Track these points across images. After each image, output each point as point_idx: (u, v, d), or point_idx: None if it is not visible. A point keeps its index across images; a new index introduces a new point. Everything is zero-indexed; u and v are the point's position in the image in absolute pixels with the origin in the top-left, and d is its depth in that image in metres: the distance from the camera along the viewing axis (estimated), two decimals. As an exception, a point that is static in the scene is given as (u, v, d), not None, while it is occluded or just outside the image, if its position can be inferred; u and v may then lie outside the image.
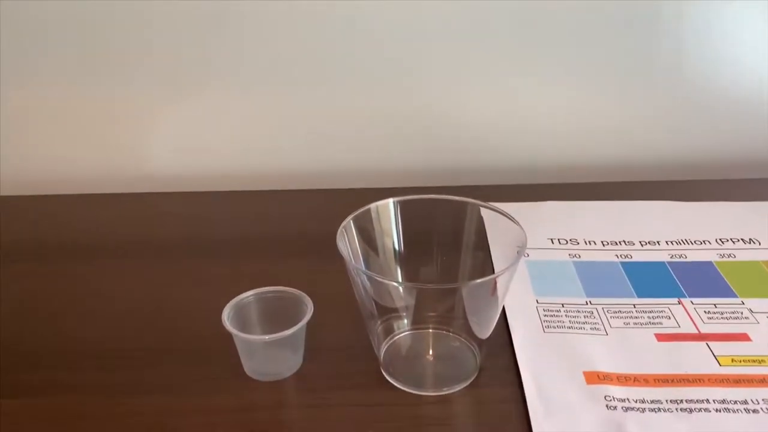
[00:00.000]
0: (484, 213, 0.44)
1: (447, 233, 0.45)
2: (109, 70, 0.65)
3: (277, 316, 0.42)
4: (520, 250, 0.39)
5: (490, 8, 0.63)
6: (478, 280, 0.37)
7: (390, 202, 0.44)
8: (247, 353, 0.42)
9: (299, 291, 0.43)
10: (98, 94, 0.66)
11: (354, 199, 0.60)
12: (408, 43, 0.64)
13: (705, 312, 0.47)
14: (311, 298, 0.43)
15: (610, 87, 0.67)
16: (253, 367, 0.42)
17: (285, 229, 0.60)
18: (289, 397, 0.41)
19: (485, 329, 0.41)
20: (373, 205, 0.43)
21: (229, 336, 0.41)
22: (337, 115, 0.68)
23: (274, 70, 0.65)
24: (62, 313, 0.49)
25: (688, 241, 0.56)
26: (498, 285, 0.39)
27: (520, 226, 0.41)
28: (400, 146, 0.69)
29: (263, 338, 0.40)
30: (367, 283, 0.40)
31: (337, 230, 0.41)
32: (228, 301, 0.42)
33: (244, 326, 0.42)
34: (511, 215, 0.42)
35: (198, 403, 0.40)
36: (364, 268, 0.42)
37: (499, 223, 0.43)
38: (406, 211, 0.44)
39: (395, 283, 0.42)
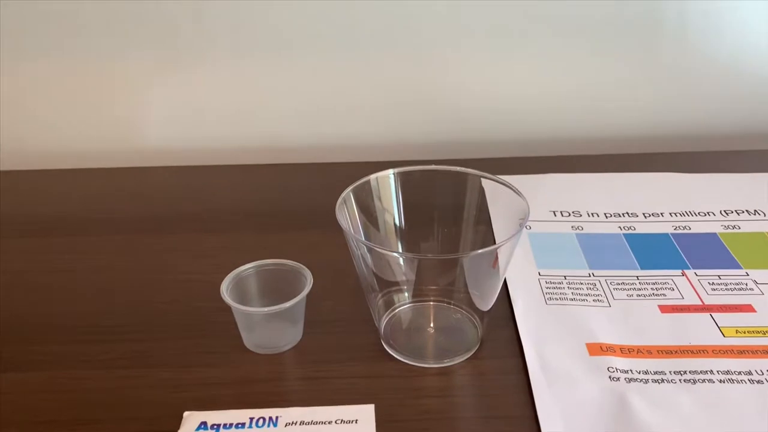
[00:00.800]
0: (486, 184, 0.43)
1: (448, 205, 0.44)
2: (101, 41, 0.63)
3: (276, 288, 0.42)
4: (523, 221, 0.39)
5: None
6: (480, 251, 0.37)
7: (390, 173, 0.43)
8: (246, 326, 0.41)
9: (299, 263, 0.43)
10: (90, 66, 0.64)
11: (354, 172, 0.59)
12: (409, 14, 0.63)
13: (709, 283, 0.47)
14: (311, 271, 0.42)
15: (612, 59, 0.66)
16: (252, 340, 0.42)
17: (284, 203, 0.59)
18: (289, 370, 0.41)
19: (487, 301, 0.41)
20: (372, 177, 0.43)
21: (228, 309, 0.41)
22: (337, 88, 0.66)
23: (273, 42, 0.64)
24: (58, 287, 0.48)
25: (692, 213, 0.55)
26: (499, 256, 0.38)
27: (522, 197, 0.40)
28: (400, 120, 0.68)
29: (262, 310, 0.40)
30: (367, 255, 0.39)
31: (336, 203, 0.40)
32: (226, 274, 0.42)
33: (243, 299, 0.41)
34: (514, 186, 0.41)
35: (197, 377, 0.40)
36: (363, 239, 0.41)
37: (501, 195, 0.42)
38: (407, 183, 0.44)
39: (395, 254, 0.41)
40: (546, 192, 0.58)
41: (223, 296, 0.40)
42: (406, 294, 0.43)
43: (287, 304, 0.39)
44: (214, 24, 0.63)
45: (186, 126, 0.68)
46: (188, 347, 0.42)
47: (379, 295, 0.42)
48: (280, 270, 0.43)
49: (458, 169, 0.44)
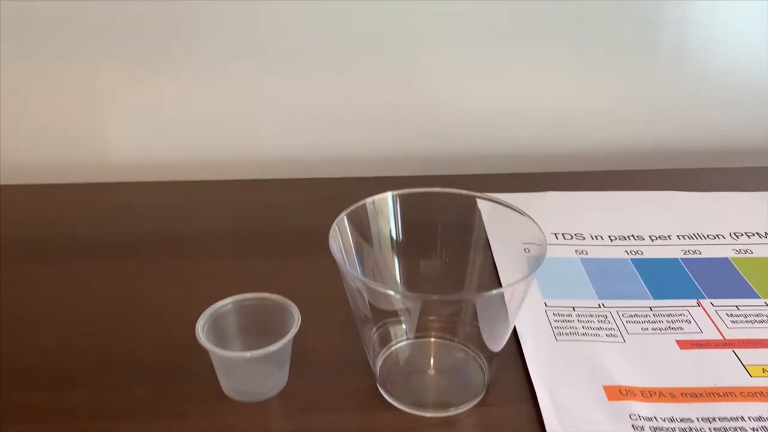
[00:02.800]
0: (493, 208, 0.40)
1: (452, 231, 0.41)
2: (65, 47, 0.58)
3: (259, 325, 0.38)
4: (540, 259, 0.34)
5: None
6: (493, 292, 0.32)
7: (388, 195, 0.39)
8: (225, 370, 0.36)
9: (284, 297, 0.38)
10: (54, 74, 0.59)
11: (342, 188, 0.55)
12: (400, 24, 0.59)
13: (727, 315, 0.44)
14: (298, 302, 0.38)
15: (612, 71, 0.63)
16: (232, 385, 0.37)
17: (265, 223, 0.54)
18: (273, 421, 0.36)
19: (497, 342, 0.36)
20: (369, 200, 0.38)
21: (204, 348, 0.36)
22: (319, 98, 0.62)
23: (251, 48, 0.59)
24: (12, 322, 0.43)
25: (701, 236, 0.52)
26: (514, 294, 0.34)
27: (540, 229, 0.36)
28: (388, 133, 0.64)
29: (243, 355, 0.35)
30: (363, 290, 0.35)
31: (325, 222, 0.36)
32: (202, 306, 0.37)
33: (221, 339, 0.37)
34: (524, 211, 0.38)
35: (168, 428, 0.35)
36: (360, 273, 0.37)
37: (509, 221, 0.39)
38: (406, 206, 0.40)
39: (396, 294, 0.36)
40: (546, 212, 0.55)
41: (198, 338, 0.35)
42: (404, 327, 0.39)
43: (272, 348, 0.34)
44: (187, 31, 0.58)
45: (158, 138, 0.62)
46: (158, 393, 0.37)
47: (374, 329, 0.38)
48: (263, 305, 0.38)
49: (464, 192, 0.40)
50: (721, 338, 0.42)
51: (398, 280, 0.41)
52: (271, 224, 0.54)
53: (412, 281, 0.40)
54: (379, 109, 0.63)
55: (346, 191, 0.57)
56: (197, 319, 0.37)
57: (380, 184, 0.59)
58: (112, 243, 0.51)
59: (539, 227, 0.36)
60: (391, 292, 0.35)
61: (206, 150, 0.63)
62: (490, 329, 0.36)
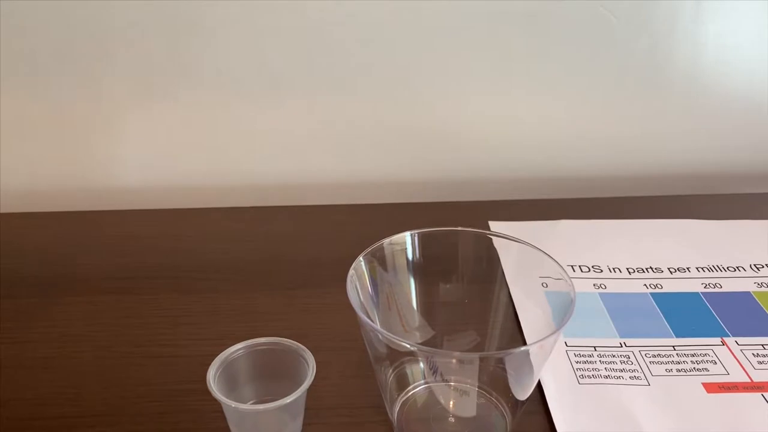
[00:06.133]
0: (508, 244, 0.38)
1: (468, 266, 0.39)
2: (72, 73, 0.56)
3: (271, 370, 0.36)
4: (568, 316, 0.33)
5: (500, 14, 0.56)
6: (521, 348, 0.31)
7: (407, 235, 0.38)
8: (236, 421, 0.35)
9: (297, 343, 0.36)
10: (60, 100, 0.57)
11: (349, 217, 0.53)
12: (406, 49, 0.58)
13: (753, 355, 0.42)
14: (309, 341, 0.36)
15: (626, 95, 0.62)
16: (243, 436, 0.35)
17: (275, 253, 0.52)
18: (287, 474, 0.34)
19: (524, 390, 0.35)
20: (386, 241, 0.37)
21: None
22: (326, 123, 0.60)
23: (256, 75, 0.58)
24: (7, 365, 0.41)
25: (721, 267, 0.51)
26: (543, 346, 0.33)
27: (562, 268, 0.35)
28: (393, 158, 0.63)
29: (256, 408, 0.33)
30: (381, 337, 0.34)
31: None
32: (210, 347, 0.36)
33: (232, 384, 0.35)
34: (552, 256, 0.36)
35: (177, 483, 0.34)
36: (376, 305, 0.36)
37: (532, 261, 0.37)
38: (425, 246, 0.38)
39: (422, 350, 0.35)
40: (561, 242, 0.54)
41: (210, 388, 0.33)
42: (422, 367, 0.37)
43: (287, 400, 0.33)
44: (193, 58, 0.56)
45: (161, 165, 0.61)
46: (164, 444, 0.36)
47: (391, 370, 0.36)
48: (276, 350, 0.36)
49: (480, 231, 0.38)
50: (749, 380, 0.40)
51: (416, 316, 0.39)
52: (279, 255, 0.52)
53: (430, 316, 0.39)
54: (387, 134, 0.62)
55: (356, 219, 0.56)
56: (206, 361, 0.35)
57: (389, 211, 0.58)
58: (115, 277, 0.49)
59: (560, 265, 0.35)
60: (410, 346, 0.33)
61: (209, 176, 0.62)
62: (517, 376, 0.35)
